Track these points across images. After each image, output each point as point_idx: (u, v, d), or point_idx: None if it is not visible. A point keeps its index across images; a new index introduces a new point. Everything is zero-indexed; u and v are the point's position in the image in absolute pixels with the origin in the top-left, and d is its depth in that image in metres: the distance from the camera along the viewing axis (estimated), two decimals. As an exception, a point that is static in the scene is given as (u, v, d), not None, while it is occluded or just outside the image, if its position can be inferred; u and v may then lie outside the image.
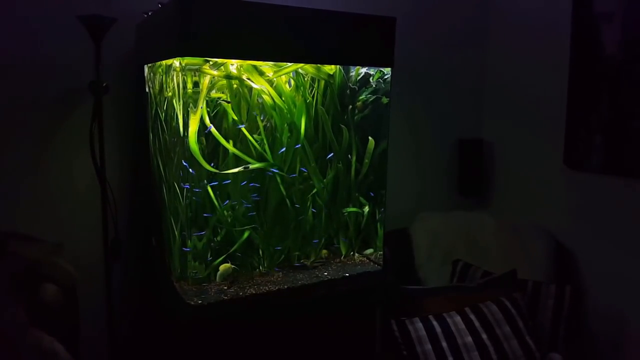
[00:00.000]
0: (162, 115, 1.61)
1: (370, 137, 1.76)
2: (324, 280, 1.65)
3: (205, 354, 1.47)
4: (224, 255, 1.57)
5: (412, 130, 2.51)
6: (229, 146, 1.53)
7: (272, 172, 1.61)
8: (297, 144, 1.62)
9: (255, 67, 1.52)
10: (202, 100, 1.44)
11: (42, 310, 1.47)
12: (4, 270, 1.44)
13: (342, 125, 1.71)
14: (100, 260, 1.84)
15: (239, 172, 1.55)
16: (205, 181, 1.51)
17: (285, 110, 1.60)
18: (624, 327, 2.06)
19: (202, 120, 1.47)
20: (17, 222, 1.75)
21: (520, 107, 2.49)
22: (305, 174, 1.68)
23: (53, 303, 1.52)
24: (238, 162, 1.56)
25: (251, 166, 1.56)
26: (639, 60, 1.95)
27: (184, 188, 1.47)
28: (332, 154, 1.71)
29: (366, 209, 1.81)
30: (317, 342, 1.62)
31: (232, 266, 1.58)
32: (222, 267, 1.56)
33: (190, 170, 1.45)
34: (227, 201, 1.57)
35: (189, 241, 1.49)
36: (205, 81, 1.45)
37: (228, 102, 1.52)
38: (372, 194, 1.80)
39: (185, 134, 1.42)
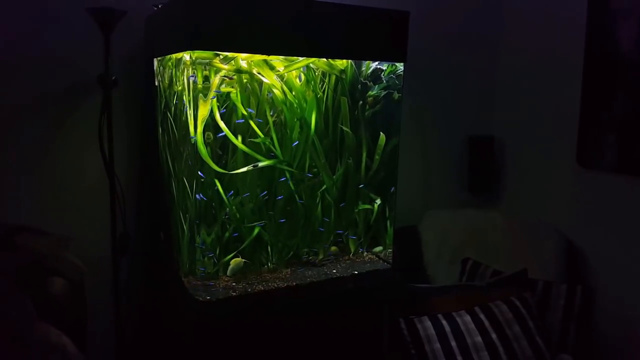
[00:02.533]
0: (172, 110, 1.60)
1: (381, 133, 1.74)
2: (332, 278, 1.64)
3: (212, 350, 1.46)
4: (235, 252, 1.56)
5: (421, 127, 2.49)
6: (238, 143, 1.51)
7: (285, 171, 1.59)
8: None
9: (265, 61, 1.50)
10: (208, 101, 1.43)
11: (50, 304, 1.47)
12: (12, 264, 1.44)
13: (343, 127, 1.69)
14: (108, 255, 1.84)
15: (248, 169, 1.54)
16: (215, 180, 1.50)
17: (295, 105, 1.58)
18: (635, 328, 2.03)
19: (211, 116, 1.45)
20: (25, 215, 1.75)
21: (532, 103, 2.46)
22: (315, 170, 1.67)
23: (60, 297, 1.52)
24: (247, 157, 1.54)
25: (260, 164, 1.54)
26: (655, 58, 1.92)
27: (194, 186, 1.46)
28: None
29: (378, 200, 1.78)
30: (324, 340, 1.61)
31: (244, 260, 1.57)
32: (233, 262, 1.56)
33: (200, 174, 1.44)
34: (239, 193, 1.55)
35: (198, 237, 1.48)
36: (216, 80, 1.43)
37: (231, 79, 1.49)
38: (381, 192, 1.78)
39: (194, 133, 1.41)
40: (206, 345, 1.44)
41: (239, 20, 1.36)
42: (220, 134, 1.47)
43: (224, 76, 1.45)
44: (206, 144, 1.46)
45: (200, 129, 1.42)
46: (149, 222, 1.96)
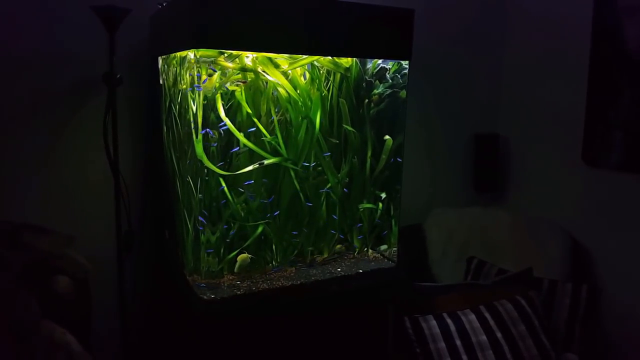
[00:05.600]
0: (176, 108, 1.59)
1: (388, 136, 1.73)
2: (337, 276, 1.64)
3: (217, 349, 1.46)
4: (238, 250, 1.56)
5: (427, 125, 2.48)
6: (247, 141, 1.51)
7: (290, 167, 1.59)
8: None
9: (270, 59, 1.49)
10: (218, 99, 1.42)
11: (54, 302, 1.47)
12: (17, 262, 1.44)
13: (348, 127, 1.68)
14: (113, 253, 1.84)
15: (253, 167, 1.53)
16: (220, 180, 1.49)
17: (300, 104, 1.58)
18: (641, 327, 2.03)
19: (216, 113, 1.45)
20: (30, 213, 1.75)
21: (538, 101, 2.44)
22: (320, 168, 1.66)
23: (65, 295, 1.52)
24: (252, 156, 1.54)
25: (266, 162, 1.54)
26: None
27: (198, 182, 1.45)
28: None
29: (383, 194, 1.78)
30: (329, 338, 1.60)
31: (250, 256, 1.57)
32: (240, 258, 1.56)
33: (204, 168, 1.43)
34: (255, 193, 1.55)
35: (202, 235, 1.48)
36: (214, 77, 1.43)
37: (245, 82, 1.49)
38: (386, 190, 1.78)
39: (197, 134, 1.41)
40: (211, 344, 1.44)
41: (244, 18, 1.35)
42: (223, 125, 1.47)
43: (238, 81, 1.46)
44: (209, 143, 1.46)
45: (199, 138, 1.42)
46: (153, 220, 1.97)
